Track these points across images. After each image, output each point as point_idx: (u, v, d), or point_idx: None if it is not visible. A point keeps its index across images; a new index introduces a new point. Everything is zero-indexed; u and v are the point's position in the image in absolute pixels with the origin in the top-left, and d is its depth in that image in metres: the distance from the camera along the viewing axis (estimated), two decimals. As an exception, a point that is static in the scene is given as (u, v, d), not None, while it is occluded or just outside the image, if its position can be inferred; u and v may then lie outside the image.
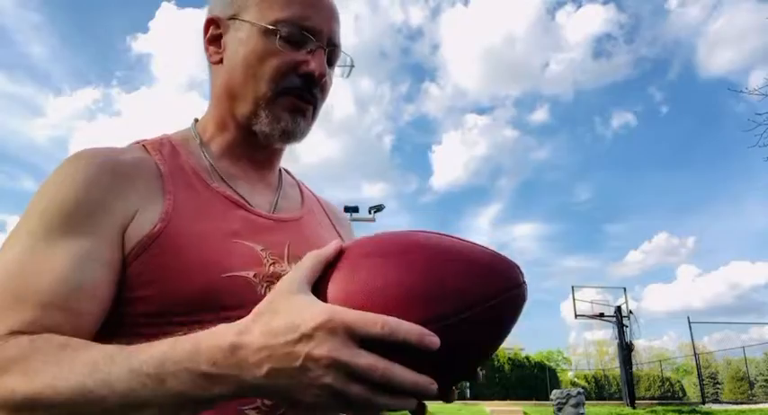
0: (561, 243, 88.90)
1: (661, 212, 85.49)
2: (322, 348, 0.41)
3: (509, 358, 24.49)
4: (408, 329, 0.42)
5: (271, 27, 0.70)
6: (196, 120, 0.82)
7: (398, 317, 0.42)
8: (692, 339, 19.79)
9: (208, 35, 0.76)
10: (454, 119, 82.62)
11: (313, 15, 0.73)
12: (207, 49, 0.77)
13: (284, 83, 0.72)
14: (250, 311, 0.48)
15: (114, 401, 0.44)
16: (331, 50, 0.75)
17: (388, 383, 0.41)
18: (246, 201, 0.74)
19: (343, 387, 0.41)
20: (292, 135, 0.75)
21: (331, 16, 0.75)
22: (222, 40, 0.76)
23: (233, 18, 0.74)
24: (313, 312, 0.43)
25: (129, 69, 74.25)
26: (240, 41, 0.73)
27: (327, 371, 0.41)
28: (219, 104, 0.76)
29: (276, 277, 0.68)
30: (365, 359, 0.41)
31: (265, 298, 0.47)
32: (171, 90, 73.33)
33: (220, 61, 0.75)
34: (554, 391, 13.56)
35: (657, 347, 63.04)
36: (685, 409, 16.53)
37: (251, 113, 0.73)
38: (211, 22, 0.76)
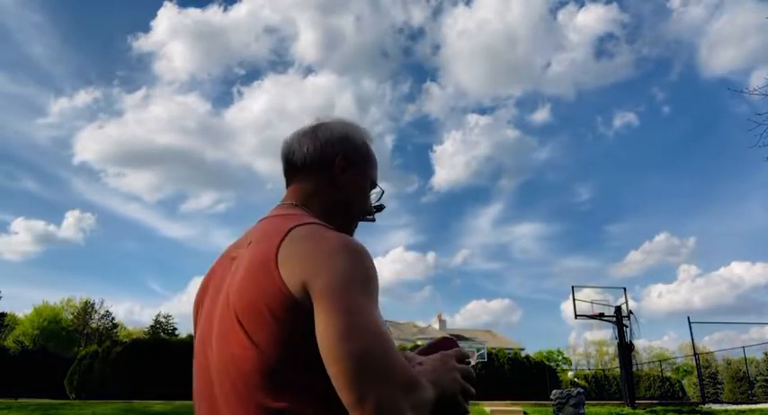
0: (562, 243, 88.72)
1: (662, 212, 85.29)
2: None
3: (509, 358, 24.48)
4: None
5: (372, 185, 1.12)
6: (295, 205, 1.03)
7: None
8: (692, 340, 19.81)
9: (338, 165, 1.05)
10: (455, 119, 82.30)
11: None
12: (336, 177, 1.05)
13: (364, 216, 1.12)
14: None
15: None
16: None
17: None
18: None
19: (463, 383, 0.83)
20: None
21: None
22: (345, 174, 1.06)
23: (354, 164, 1.07)
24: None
25: (130, 69, 74.02)
26: (356, 183, 1.08)
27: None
28: (324, 211, 1.03)
29: None
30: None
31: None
32: (172, 90, 73.30)
33: (336, 185, 1.05)
34: (554, 391, 13.57)
35: (657, 347, 63.05)
36: (685, 409, 16.53)
37: (340, 227, 0.99)
38: (344, 159, 1.06)
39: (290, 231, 0.85)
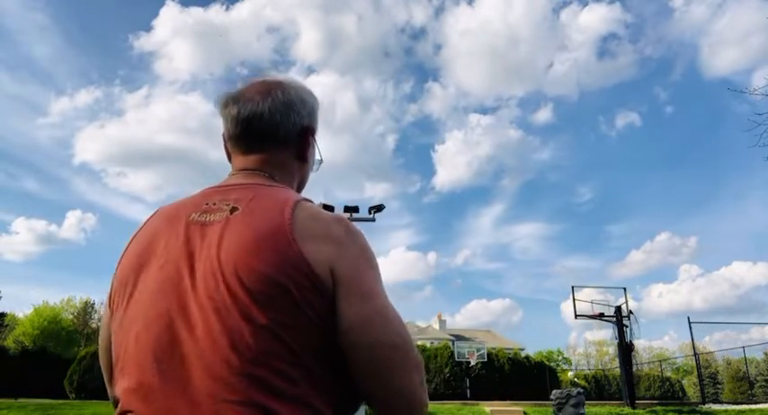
0: (563, 244, 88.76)
1: (664, 212, 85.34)
2: None
3: (509, 358, 24.45)
4: None
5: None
6: (268, 177, 0.96)
7: None
8: (692, 340, 19.79)
9: (306, 140, 0.99)
10: (457, 118, 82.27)
11: None
12: (306, 150, 1.00)
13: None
14: None
15: None
16: None
17: None
18: None
19: None
20: None
21: None
22: (310, 148, 1.01)
23: (314, 135, 1.01)
24: None
25: (131, 68, 74.07)
26: (312, 156, 1.03)
27: None
28: (290, 186, 0.97)
29: None
30: None
31: None
32: (174, 89, 73.29)
33: (302, 160, 1.00)
34: (554, 391, 13.57)
35: (657, 347, 63.05)
36: (685, 409, 16.52)
37: None
38: (310, 132, 1.00)
39: (297, 203, 0.82)
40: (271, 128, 0.94)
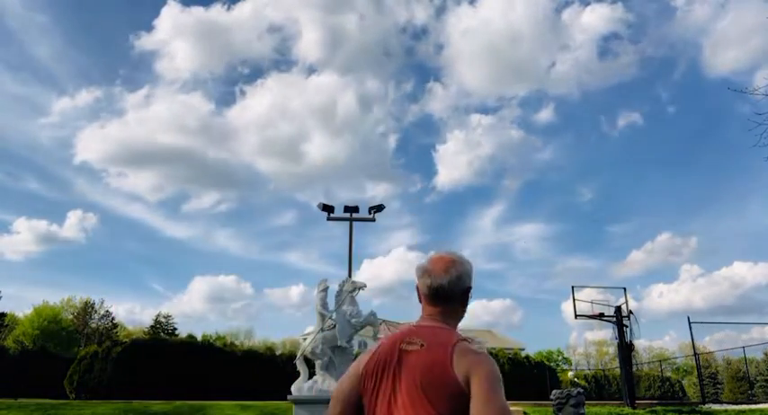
0: (563, 244, 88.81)
1: (664, 212, 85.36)
2: None
3: (509, 358, 24.45)
4: None
5: None
6: (446, 322, 1.57)
7: None
8: (693, 340, 19.80)
9: (467, 296, 1.60)
10: (459, 118, 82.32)
11: None
12: (467, 302, 1.61)
13: None
14: None
15: None
16: None
17: None
18: None
19: None
20: None
21: None
22: (469, 298, 1.62)
23: (471, 289, 1.62)
24: None
25: (132, 68, 74.18)
26: (468, 302, 1.64)
27: None
28: (456, 324, 1.58)
29: None
30: None
31: None
32: (174, 89, 73.27)
33: (464, 307, 1.61)
34: (554, 391, 13.56)
35: (657, 347, 63.08)
36: (685, 409, 16.52)
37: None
38: (469, 290, 1.61)
39: (456, 343, 1.41)
40: (448, 294, 1.56)
